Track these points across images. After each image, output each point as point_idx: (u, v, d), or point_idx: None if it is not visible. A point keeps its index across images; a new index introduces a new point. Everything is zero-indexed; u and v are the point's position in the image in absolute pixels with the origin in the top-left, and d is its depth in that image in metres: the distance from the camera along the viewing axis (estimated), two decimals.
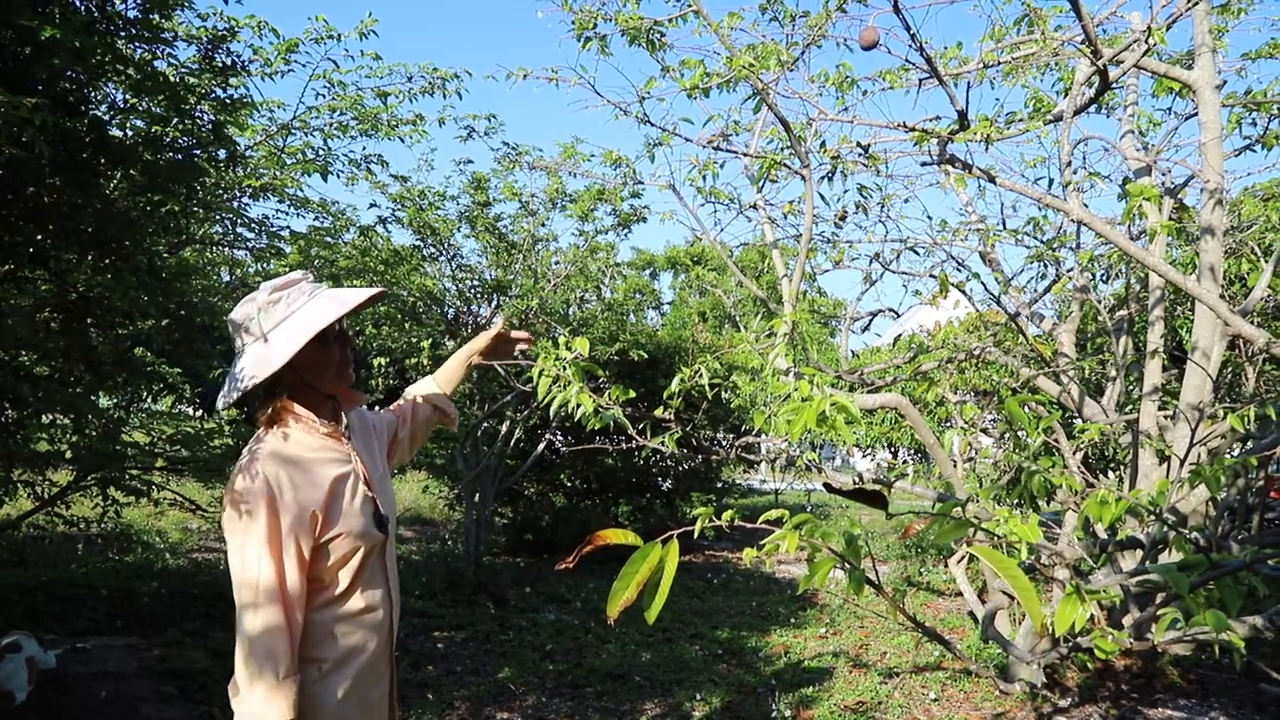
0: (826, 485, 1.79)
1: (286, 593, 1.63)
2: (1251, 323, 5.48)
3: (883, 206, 5.65)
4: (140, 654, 4.97)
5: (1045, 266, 6.17)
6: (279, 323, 1.76)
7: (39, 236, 3.91)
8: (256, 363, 1.74)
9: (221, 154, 4.60)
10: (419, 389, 2.28)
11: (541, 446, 8.48)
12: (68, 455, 5.36)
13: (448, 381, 2.30)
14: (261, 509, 1.64)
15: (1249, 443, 4.01)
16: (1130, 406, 5.58)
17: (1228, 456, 3.71)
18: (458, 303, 8.02)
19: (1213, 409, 4.37)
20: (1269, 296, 5.33)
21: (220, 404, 1.80)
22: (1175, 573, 1.78)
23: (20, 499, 5.80)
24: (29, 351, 4.51)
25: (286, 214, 6.32)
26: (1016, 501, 3.57)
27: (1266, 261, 4.04)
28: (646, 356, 8.40)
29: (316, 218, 6.67)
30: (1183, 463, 3.68)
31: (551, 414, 3.42)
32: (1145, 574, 2.35)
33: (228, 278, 7.22)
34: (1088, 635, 2.15)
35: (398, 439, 2.16)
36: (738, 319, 7.40)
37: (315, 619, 1.73)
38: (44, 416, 5.17)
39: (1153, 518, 2.53)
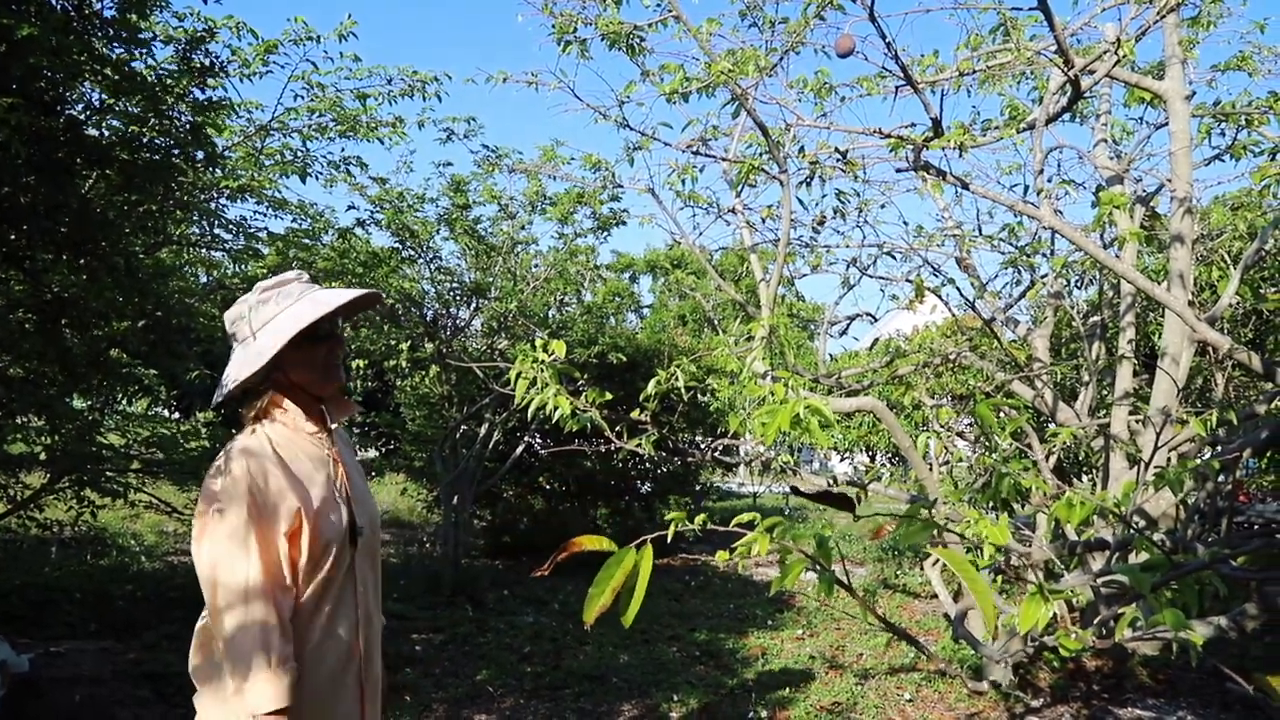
0: (793, 489, 1.82)
1: (269, 586, 1.60)
2: (1220, 329, 5.58)
3: (860, 212, 5.71)
4: (115, 657, 4.93)
5: (1020, 272, 6.26)
6: (266, 322, 1.77)
7: (13, 236, 3.88)
8: (243, 361, 1.76)
9: (199, 155, 4.58)
10: None
11: (520, 449, 8.47)
12: (42, 457, 5.31)
13: None
14: (238, 506, 1.62)
15: (1218, 447, 4.08)
16: (1103, 411, 5.66)
17: (1196, 460, 3.78)
18: (436, 305, 8.02)
19: (1179, 414, 4.45)
20: (1237, 303, 5.42)
21: (214, 401, 1.82)
22: (1137, 573, 1.82)
23: None
24: (3, 352, 4.48)
25: (264, 215, 6.30)
26: (990, 504, 3.62)
27: (1235, 269, 4.12)
28: (626, 359, 8.43)
29: (295, 219, 6.65)
30: (1147, 466, 3.74)
31: (529, 416, 3.44)
32: (1110, 574, 2.40)
33: (205, 279, 7.18)
34: (1053, 635, 2.19)
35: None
36: (717, 323, 7.43)
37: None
38: (18, 418, 5.12)
39: (1117, 519, 2.58)
